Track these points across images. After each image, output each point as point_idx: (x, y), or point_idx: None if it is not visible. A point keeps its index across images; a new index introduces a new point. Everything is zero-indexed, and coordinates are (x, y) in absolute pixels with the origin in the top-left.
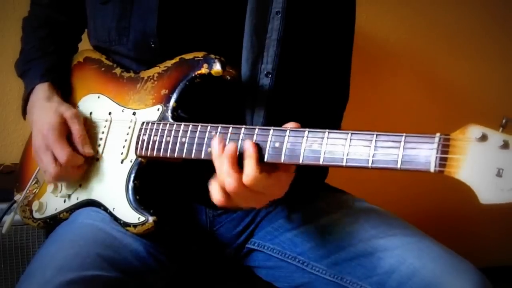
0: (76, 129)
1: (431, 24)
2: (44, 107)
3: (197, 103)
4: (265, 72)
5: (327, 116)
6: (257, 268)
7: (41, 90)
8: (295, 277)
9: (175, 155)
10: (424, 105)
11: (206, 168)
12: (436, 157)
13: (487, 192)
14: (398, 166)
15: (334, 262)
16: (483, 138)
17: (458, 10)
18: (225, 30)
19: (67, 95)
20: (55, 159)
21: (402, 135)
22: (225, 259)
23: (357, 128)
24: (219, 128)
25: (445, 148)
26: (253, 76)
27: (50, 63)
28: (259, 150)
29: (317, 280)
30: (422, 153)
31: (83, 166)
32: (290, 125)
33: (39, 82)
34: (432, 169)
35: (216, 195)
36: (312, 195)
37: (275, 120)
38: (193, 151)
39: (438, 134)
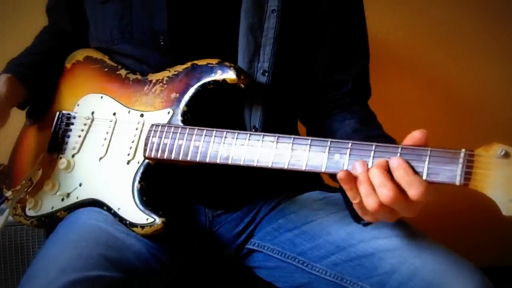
0: None
1: (431, 24)
2: None
3: (200, 105)
4: (261, 71)
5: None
6: (257, 268)
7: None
8: (295, 277)
9: (188, 158)
10: (423, 105)
11: (206, 169)
12: (462, 171)
13: (510, 206)
14: (424, 178)
15: (334, 262)
16: (507, 155)
17: (458, 10)
18: (220, 29)
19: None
20: None
21: (428, 149)
22: (225, 260)
23: None
24: (236, 134)
25: (470, 163)
26: (249, 75)
27: (24, 60)
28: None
29: (317, 280)
30: (448, 166)
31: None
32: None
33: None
34: (458, 182)
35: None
36: None
37: (272, 118)
38: (208, 155)
39: (463, 150)
